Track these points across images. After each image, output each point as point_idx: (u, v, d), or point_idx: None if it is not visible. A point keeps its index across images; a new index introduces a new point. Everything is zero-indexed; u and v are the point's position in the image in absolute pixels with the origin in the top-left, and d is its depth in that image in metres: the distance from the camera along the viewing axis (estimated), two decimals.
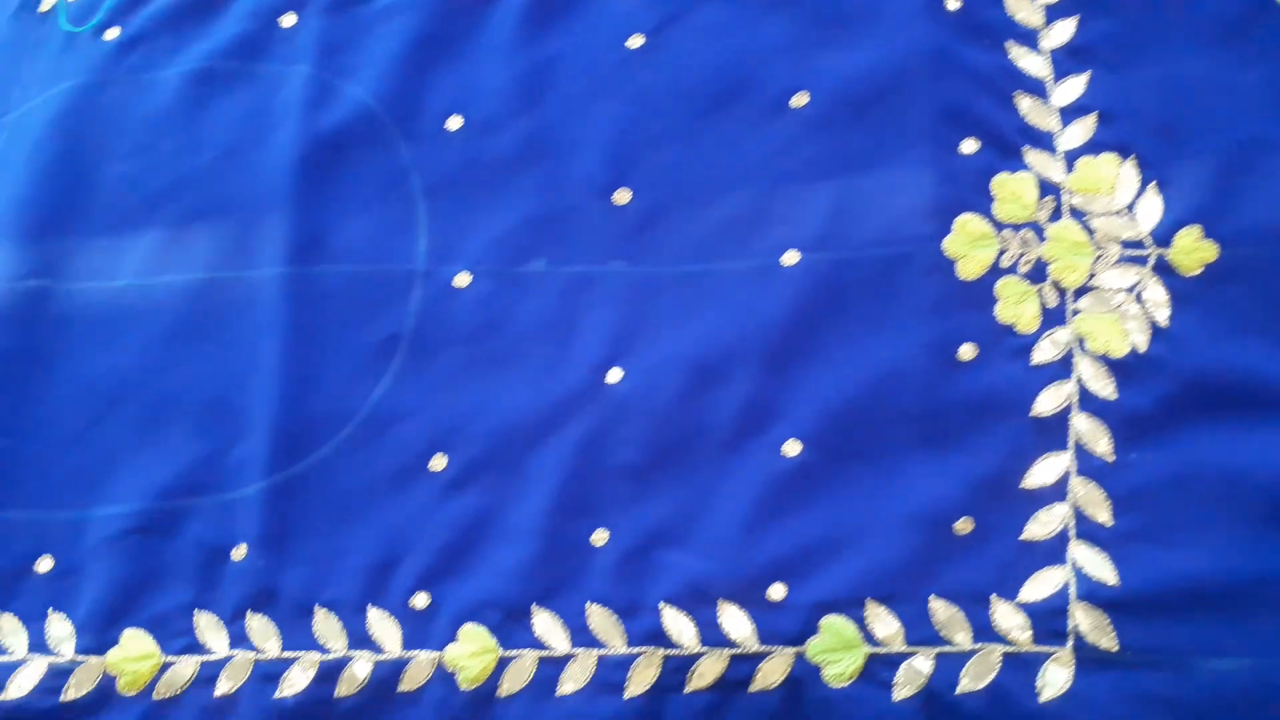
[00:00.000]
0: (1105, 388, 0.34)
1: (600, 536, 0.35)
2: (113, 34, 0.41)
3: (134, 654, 0.36)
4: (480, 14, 0.39)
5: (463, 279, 0.37)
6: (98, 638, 0.36)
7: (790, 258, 0.36)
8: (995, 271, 0.35)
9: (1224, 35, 0.36)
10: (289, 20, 0.40)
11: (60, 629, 0.36)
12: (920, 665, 0.33)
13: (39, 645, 0.36)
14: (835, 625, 0.34)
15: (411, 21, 0.39)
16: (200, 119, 0.39)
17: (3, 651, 0.36)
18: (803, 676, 0.34)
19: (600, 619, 0.35)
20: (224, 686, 0.35)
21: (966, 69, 0.37)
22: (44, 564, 0.37)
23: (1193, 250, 0.35)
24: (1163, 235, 0.35)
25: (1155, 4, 0.37)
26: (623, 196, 0.37)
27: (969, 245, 0.35)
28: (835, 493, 0.35)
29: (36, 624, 0.37)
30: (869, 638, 0.34)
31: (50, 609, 0.37)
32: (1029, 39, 0.37)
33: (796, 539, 0.34)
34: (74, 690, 0.36)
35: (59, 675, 0.36)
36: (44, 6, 0.42)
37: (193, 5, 0.40)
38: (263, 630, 0.36)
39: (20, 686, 0.36)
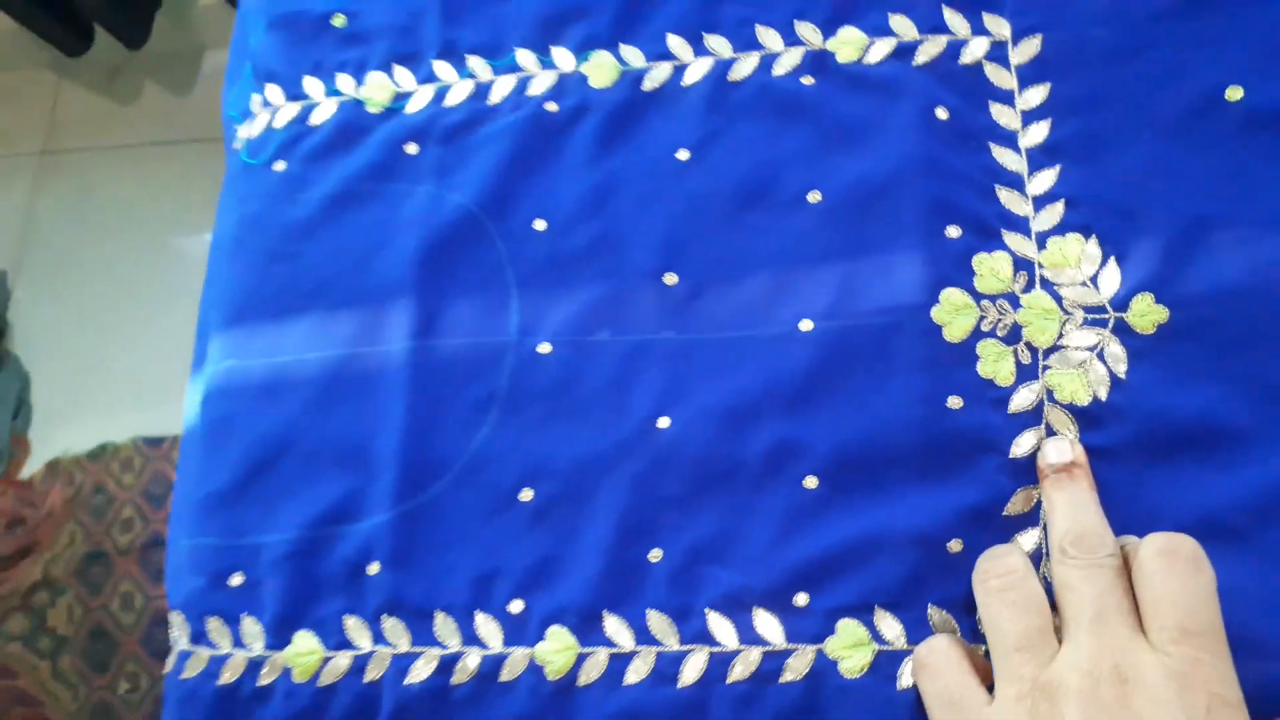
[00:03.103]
0: (1070, 432, 0.41)
1: (656, 554, 0.43)
2: (280, 166, 0.51)
3: (304, 650, 0.45)
4: (561, 137, 0.48)
5: (545, 347, 0.46)
6: (278, 637, 0.45)
7: (806, 325, 0.44)
8: (977, 334, 0.42)
9: (1175, 130, 0.43)
10: (412, 149, 0.49)
11: (253, 630, 0.46)
12: None
13: (238, 643, 0.46)
14: (849, 627, 0.41)
15: (507, 144, 0.48)
16: (342, 229, 0.49)
17: (214, 646, 0.46)
18: (823, 669, 0.41)
19: (658, 622, 0.42)
20: (371, 674, 0.44)
21: (952, 168, 0.44)
22: (236, 579, 0.46)
23: (1146, 313, 0.41)
24: (1120, 301, 0.42)
25: (1117, 106, 0.44)
26: (671, 279, 0.46)
27: (953, 314, 0.43)
28: (847, 519, 0.42)
29: (234, 625, 0.46)
30: (877, 637, 0.41)
31: (244, 614, 0.46)
32: (1009, 140, 0.44)
33: (815, 556, 0.42)
34: (265, 678, 0.45)
35: (255, 666, 0.45)
36: (236, 144, 0.53)
37: (338, 141, 0.50)
38: (394, 630, 0.44)
39: (230, 674, 0.45)
